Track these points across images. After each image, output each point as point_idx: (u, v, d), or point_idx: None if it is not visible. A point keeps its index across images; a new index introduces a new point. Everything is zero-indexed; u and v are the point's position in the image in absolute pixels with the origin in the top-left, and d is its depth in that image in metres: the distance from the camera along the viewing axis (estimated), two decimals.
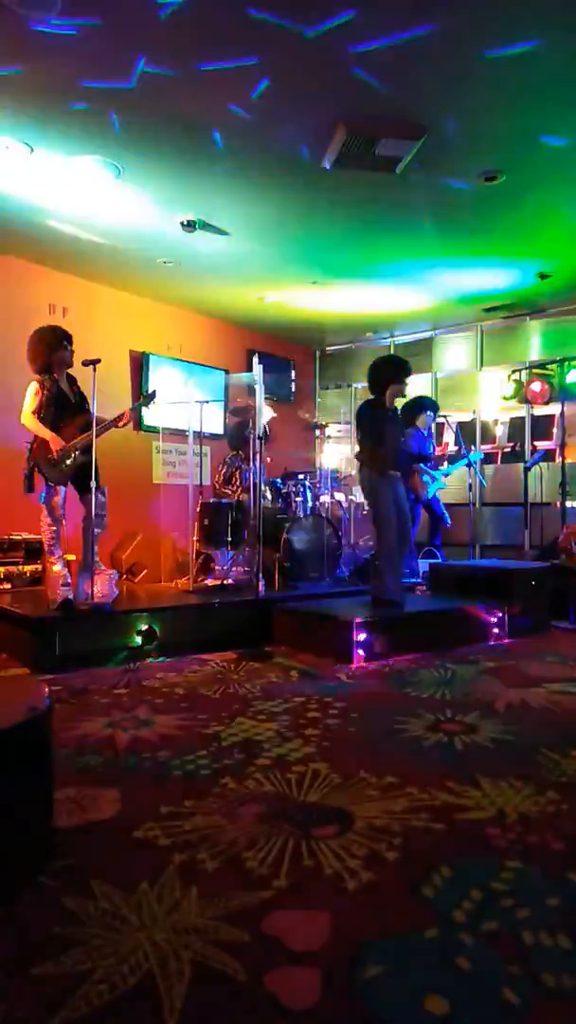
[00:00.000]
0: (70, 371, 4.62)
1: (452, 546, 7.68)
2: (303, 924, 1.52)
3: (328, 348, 9.76)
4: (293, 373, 9.47)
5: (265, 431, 5.43)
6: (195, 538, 5.78)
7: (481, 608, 4.97)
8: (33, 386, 4.44)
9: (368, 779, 2.34)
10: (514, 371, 7.67)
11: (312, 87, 4.00)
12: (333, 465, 7.50)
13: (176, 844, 1.87)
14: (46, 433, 4.35)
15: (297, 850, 1.84)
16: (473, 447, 7.95)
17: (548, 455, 7.73)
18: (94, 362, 4.29)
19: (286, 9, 3.40)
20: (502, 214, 5.56)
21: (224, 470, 6.46)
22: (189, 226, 5.72)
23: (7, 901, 1.59)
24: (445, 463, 7.20)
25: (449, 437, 7.87)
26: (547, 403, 7.51)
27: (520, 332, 8.29)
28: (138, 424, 7.28)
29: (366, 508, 5.35)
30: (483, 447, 8.38)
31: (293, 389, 9.45)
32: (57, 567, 4.46)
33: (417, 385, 8.73)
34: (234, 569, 5.85)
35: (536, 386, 7.42)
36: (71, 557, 4.87)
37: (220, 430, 7.42)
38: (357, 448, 5.08)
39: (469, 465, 7.23)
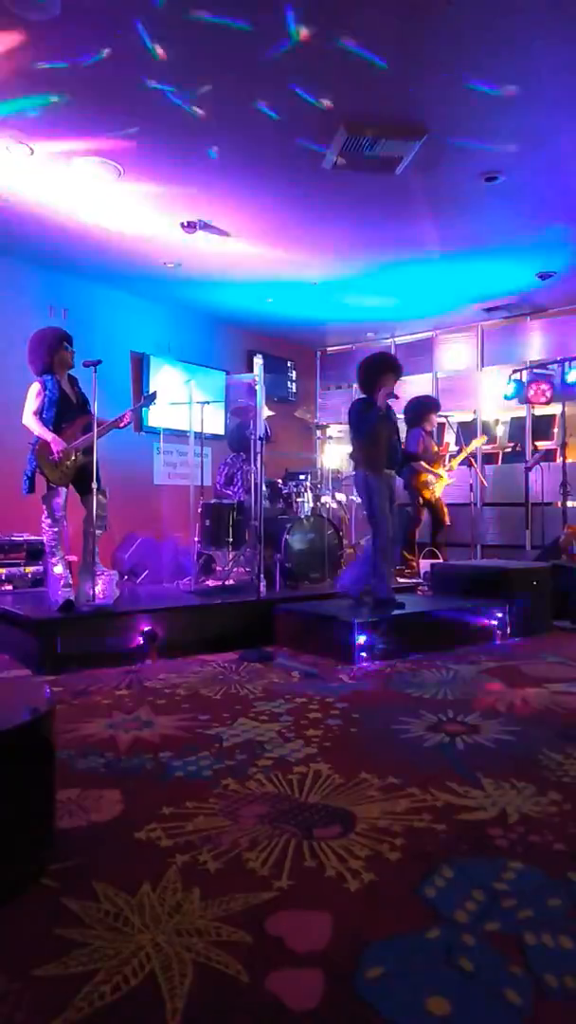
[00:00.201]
0: (71, 372, 4.62)
1: (453, 546, 7.68)
2: (305, 925, 1.52)
3: (329, 349, 9.77)
4: (294, 374, 9.48)
5: (266, 431, 5.43)
6: (196, 539, 5.78)
7: (482, 608, 4.97)
8: (35, 387, 4.44)
9: (370, 780, 2.34)
10: (515, 371, 7.67)
11: (314, 88, 4.01)
12: (334, 465, 7.50)
13: (178, 845, 1.87)
14: (47, 434, 4.35)
15: (299, 851, 1.84)
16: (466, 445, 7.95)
17: (549, 455, 7.72)
18: (95, 363, 4.29)
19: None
20: (502, 214, 5.57)
21: (225, 471, 6.46)
22: (190, 227, 5.73)
23: (9, 902, 1.59)
24: (446, 461, 7.19)
25: (450, 437, 7.88)
26: (548, 403, 7.50)
27: (521, 332, 8.29)
28: (139, 425, 7.29)
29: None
30: (484, 448, 8.38)
31: (294, 390, 9.45)
32: (58, 568, 4.46)
33: (418, 385, 8.76)
34: (235, 570, 5.85)
35: (537, 386, 7.41)
36: (72, 558, 4.87)
37: (221, 431, 7.43)
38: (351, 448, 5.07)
39: (469, 465, 7.23)
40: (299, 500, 6.09)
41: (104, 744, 2.70)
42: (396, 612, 4.51)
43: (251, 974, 1.35)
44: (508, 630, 5.02)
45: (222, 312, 8.17)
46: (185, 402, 5.94)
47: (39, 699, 1.87)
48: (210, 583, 5.77)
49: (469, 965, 1.38)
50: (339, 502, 6.99)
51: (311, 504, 6.13)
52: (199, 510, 5.80)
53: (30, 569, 5.61)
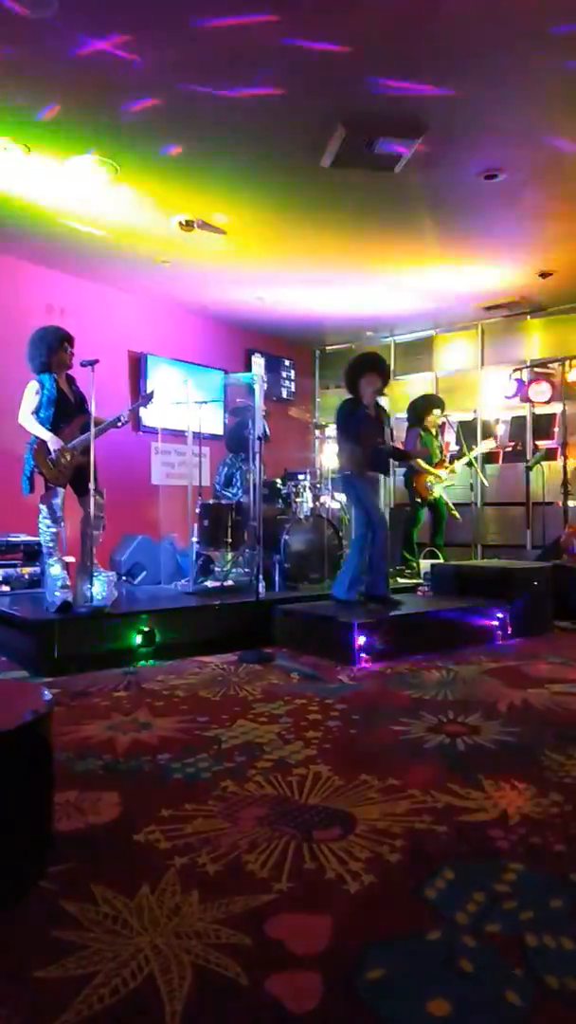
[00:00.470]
0: (69, 371, 4.61)
1: (454, 546, 7.67)
2: (305, 927, 1.51)
3: (328, 348, 9.76)
4: (292, 373, 9.47)
5: (264, 431, 5.42)
6: (194, 539, 5.77)
7: (483, 608, 4.96)
8: (32, 385, 4.42)
9: (370, 781, 2.33)
10: (515, 370, 7.66)
11: (313, 88, 4.00)
12: (333, 465, 7.49)
13: (177, 847, 1.86)
14: (44, 433, 4.34)
15: (299, 853, 1.83)
16: (474, 446, 7.94)
17: (550, 454, 7.72)
18: (92, 363, 4.28)
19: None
20: (502, 212, 5.56)
21: (224, 471, 6.45)
22: (187, 225, 5.72)
23: (7, 905, 1.58)
24: (447, 462, 7.18)
25: (450, 436, 7.88)
26: (548, 402, 7.50)
27: (521, 331, 8.29)
28: (137, 425, 7.28)
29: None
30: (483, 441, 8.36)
31: (292, 389, 9.44)
32: (56, 569, 4.45)
33: (418, 385, 8.76)
34: (234, 570, 5.84)
35: (537, 385, 7.41)
36: (70, 559, 4.86)
37: (219, 431, 7.42)
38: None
39: (469, 464, 7.23)
40: (298, 500, 6.08)
41: (102, 746, 2.69)
42: (394, 612, 4.49)
43: (250, 976, 1.34)
44: (509, 630, 5.01)
45: (220, 311, 8.16)
46: (183, 401, 5.92)
47: (37, 701, 1.86)
48: (209, 584, 5.76)
49: (470, 967, 1.37)
50: (339, 502, 6.97)
51: (310, 504, 6.11)
52: (197, 510, 5.78)
53: (27, 570, 5.60)
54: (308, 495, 6.12)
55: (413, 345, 9.15)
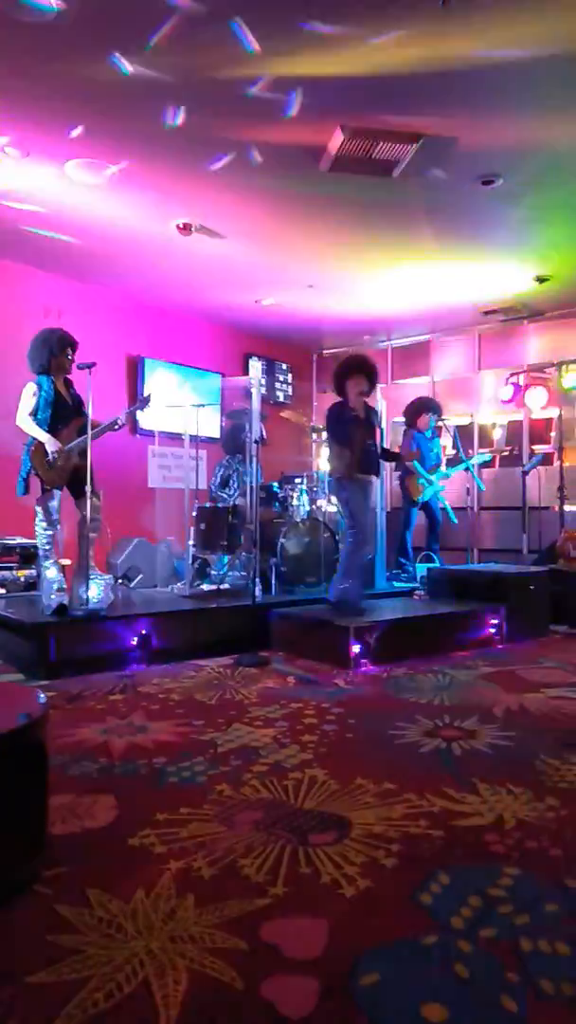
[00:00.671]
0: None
1: (450, 550, 7.68)
2: (300, 932, 1.51)
3: (325, 351, 9.77)
4: (290, 376, 9.48)
5: (261, 434, 5.42)
6: (191, 542, 5.77)
7: (479, 613, 4.96)
8: (30, 387, 4.42)
9: (366, 785, 2.32)
10: (512, 374, 7.68)
11: (311, 90, 4.01)
12: (326, 468, 7.49)
13: (172, 851, 1.86)
14: (42, 435, 4.34)
15: (294, 857, 1.82)
16: (472, 450, 7.96)
17: (546, 459, 7.74)
18: (89, 366, 4.28)
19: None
20: (500, 217, 5.58)
21: (220, 473, 6.45)
22: (185, 229, 5.73)
23: (2, 909, 1.58)
24: (443, 466, 7.20)
25: (447, 440, 7.89)
26: (545, 407, 7.52)
27: (518, 335, 8.31)
28: (134, 428, 7.28)
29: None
30: (481, 450, 8.38)
31: (290, 392, 9.45)
32: (52, 572, 4.44)
33: (415, 388, 8.77)
34: (230, 574, 5.84)
35: (534, 390, 7.43)
36: (66, 562, 4.85)
37: (216, 434, 7.42)
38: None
39: (467, 469, 7.24)
40: (295, 503, 6.08)
41: (98, 750, 2.68)
42: (357, 618, 4.44)
43: (246, 981, 1.34)
44: (505, 634, 5.01)
45: (217, 314, 8.17)
46: (180, 405, 5.92)
47: (32, 704, 1.86)
48: (205, 587, 5.75)
49: (465, 971, 1.37)
50: (335, 505, 6.97)
51: (307, 507, 6.12)
52: (194, 513, 5.78)
53: (23, 573, 5.59)
54: (305, 498, 6.13)
55: (410, 349, 9.17)
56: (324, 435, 6.84)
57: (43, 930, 1.51)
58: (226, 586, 5.68)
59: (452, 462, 7.36)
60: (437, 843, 1.92)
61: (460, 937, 1.48)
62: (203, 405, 5.99)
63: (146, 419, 7.15)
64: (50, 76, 3.87)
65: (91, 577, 4.39)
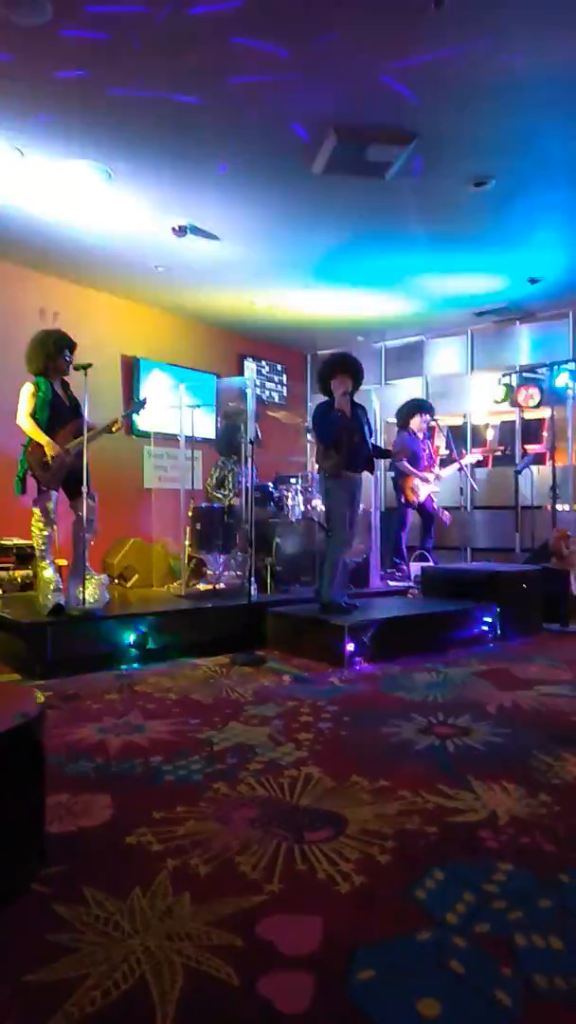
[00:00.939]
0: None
1: (443, 549, 7.70)
2: (296, 928, 1.52)
3: (319, 352, 9.79)
4: (284, 377, 9.49)
5: (256, 435, 5.43)
6: (187, 542, 5.77)
7: (472, 611, 4.99)
8: (28, 387, 4.42)
9: (361, 783, 2.34)
10: (504, 375, 7.71)
11: (303, 93, 4.02)
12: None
13: (169, 849, 1.87)
14: (42, 437, 4.33)
15: (290, 854, 1.84)
16: (465, 451, 7.98)
17: (538, 459, 7.77)
18: (85, 367, 4.28)
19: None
20: (492, 219, 5.60)
21: (216, 474, 6.45)
22: (180, 231, 5.73)
23: None
24: (436, 466, 7.21)
25: (440, 441, 7.91)
26: (537, 407, 7.55)
27: (510, 336, 8.34)
28: (129, 429, 7.28)
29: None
30: (474, 450, 8.41)
31: (284, 393, 9.47)
32: (48, 572, 4.45)
33: (408, 389, 8.79)
34: (226, 573, 5.84)
35: (526, 390, 7.46)
36: (62, 562, 4.85)
37: (211, 434, 7.42)
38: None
39: (460, 469, 7.26)
40: (290, 503, 6.09)
41: (94, 749, 2.69)
42: (345, 617, 4.45)
43: (242, 978, 1.35)
44: (498, 633, 5.04)
45: (212, 315, 8.17)
46: (175, 405, 5.92)
47: (29, 704, 1.86)
48: (201, 587, 5.76)
49: (460, 967, 1.38)
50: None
51: (302, 507, 6.13)
52: (189, 514, 5.79)
53: (20, 573, 5.58)
54: (300, 498, 6.14)
55: (403, 349, 9.19)
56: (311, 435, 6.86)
57: (40, 929, 1.51)
58: (222, 586, 5.69)
59: (445, 462, 7.38)
60: (431, 839, 1.93)
61: (455, 932, 1.49)
62: (198, 405, 5.99)
63: (142, 420, 7.15)
64: (45, 78, 3.87)
65: (87, 577, 4.40)
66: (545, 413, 7.88)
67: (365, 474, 4.94)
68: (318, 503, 6.45)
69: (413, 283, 7.03)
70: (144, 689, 3.63)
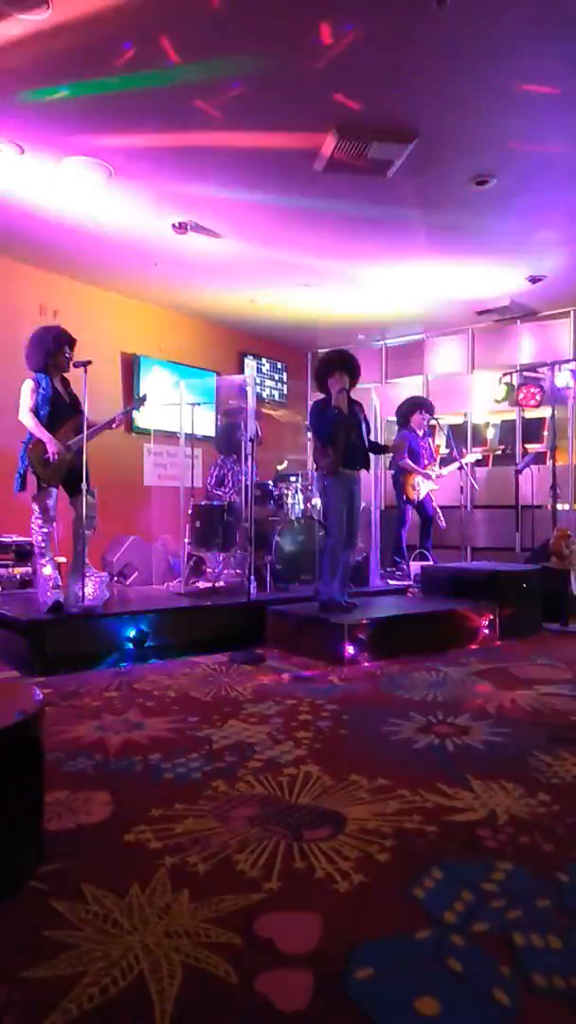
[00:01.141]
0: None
1: (443, 548, 7.70)
2: (295, 926, 1.52)
3: (320, 350, 9.77)
4: (284, 375, 9.49)
5: (257, 432, 5.43)
6: (187, 540, 5.77)
7: (472, 610, 4.98)
8: (28, 384, 4.41)
9: (360, 781, 2.34)
10: (505, 374, 7.70)
11: (305, 92, 4.02)
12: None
13: (167, 847, 1.87)
14: (44, 434, 4.32)
15: (289, 852, 1.84)
16: (465, 449, 7.97)
17: (539, 458, 7.76)
18: (85, 363, 4.27)
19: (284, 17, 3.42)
20: (493, 217, 5.59)
21: (216, 472, 6.45)
22: (181, 228, 5.72)
23: None
24: (437, 465, 7.21)
25: (441, 440, 7.90)
26: (537, 406, 7.54)
27: (511, 335, 8.33)
28: (129, 426, 7.28)
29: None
30: (474, 449, 8.41)
31: (284, 391, 9.46)
32: (47, 569, 4.44)
33: (409, 387, 8.78)
34: (225, 571, 5.84)
35: (527, 389, 7.45)
36: (61, 559, 4.85)
37: (212, 432, 7.42)
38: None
39: (461, 468, 7.25)
40: (290, 502, 6.09)
41: (93, 746, 2.69)
42: (344, 615, 4.45)
43: (240, 975, 1.35)
44: (498, 632, 5.03)
45: (213, 313, 8.17)
46: (176, 403, 5.92)
47: (28, 701, 1.86)
48: (200, 585, 5.76)
49: (458, 965, 1.38)
50: None
51: (302, 506, 6.13)
52: (189, 511, 5.79)
53: (19, 570, 5.58)
54: (299, 496, 6.14)
55: (404, 348, 9.18)
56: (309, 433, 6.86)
57: (39, 925, 1.51)
58: (221, 584, 5.69)
59: (446, 461, 7.38)
60: (430, 838, 1.93)
61: (453, 931, 1.49)
62: (199, 403, 5.99)
63: (142, 417, 7.15)
64: (45, 75, 3.87)
65: (86, 574, 4.39)
66: (546, 412, 7.87)
67: (364, 472, 4.94)
68: (318, 501, 6.46)
69: (414, 281, 7.02)
70: (143, 687, 3.63)
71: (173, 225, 5.70)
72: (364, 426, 4.81)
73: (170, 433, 6.42)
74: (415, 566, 6.53)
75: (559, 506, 6.88)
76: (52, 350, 4.41)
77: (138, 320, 7.75)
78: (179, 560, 5.90)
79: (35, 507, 4.43)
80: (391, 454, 6.68)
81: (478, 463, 8.33)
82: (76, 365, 4.32)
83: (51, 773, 2.15)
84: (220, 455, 6.56)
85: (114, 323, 7.48)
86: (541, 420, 8.22)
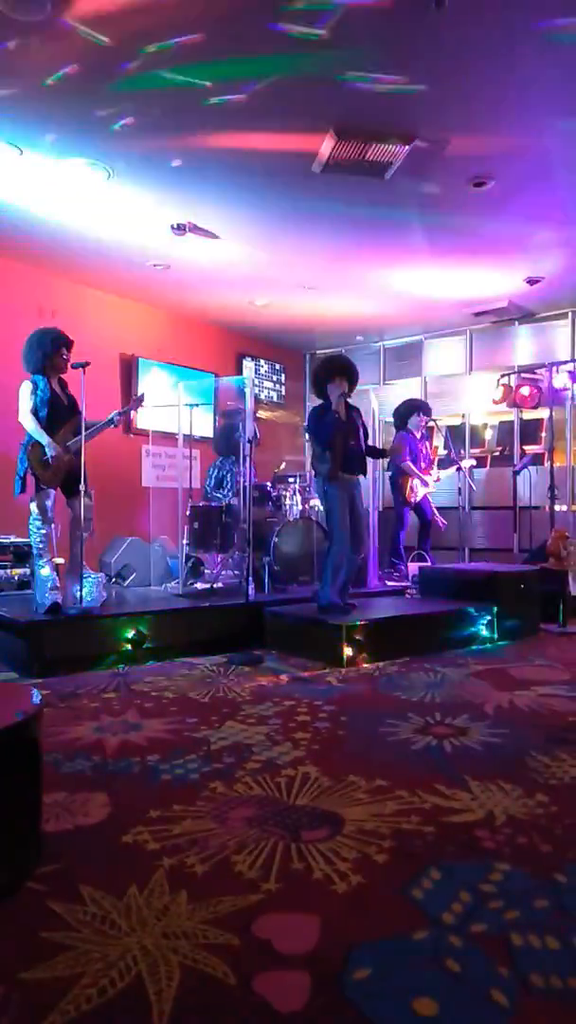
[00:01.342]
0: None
1: (442, 549, 7.70)
2: (293, 927, 1.52)
3: (318, 352, 9.78)
4: (283, 377, 9.49)
5: (255, 434, 5.43)
6: (185, 541, 5.77)
7: (470, 611, 4.99)
8: (27, 385, 4.40)
9: (358, 782, 2.34)
10: (503, 375, 7.71)
11: (303, 93, 4.02)
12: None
13: (165, 848, 1.87)
14: (44, 436, 4.32)
15: (287, 853, 1.84)
16: (463, 451, 7.98)
17: (536, 459, 7.77)
18: (83, 365, 4.27)
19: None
20: (491, 219, 5.60)
21: (215, 473, 6.45)
22: (179, 229, 5.73)
23: None
24: (434, 466, 7.22)
25: (438, 441, 7.90)
26: (535, 407, 7.55)
27: (509, 336, 8.34)
28: (128, 427, 7.27)
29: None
30: (472, 451, 8.41)
31: (283, 393, 9.47)
32: (45, 571, 4.44)
33: (407, 389, 8.79)
34: (223, 573, 5.84)
35: (525, 390, 7.47)
36: (60, 561, 4.84)
37: (210, 433, 7.42)
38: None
39: (459, 470, 7.26)
40: (288, 503, 6.09)
41: (91, 747, 2.69)
42: (342, 617, 4.44)
43: (238, 976, 1.35)
44: (495, 633, 5.04)
45: (211, 314, 8.17)
46: (174, 404, 5.93)
47: (26, 702, 1.86)
48: (198, 586, 5.76)
49: (456, 966, 1.38)
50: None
51: (300, 507, 6.13)
52: (187, 513, 5.79)
53: (16, 571, 5.58)
54: (298, 498, 6.14)
55: (402, 349, 9.19)
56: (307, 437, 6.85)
57: (36, 927, 1.51)
58: (219, 585, 5.69)
59: (444, 463, 7.38)
60: (428, 839, 1.93)
61: (451, 932, 1.49)
62: (196, 404, 5.99)
63: (140, 418, 7.15)
64: (44, 75, 3.87)
65: (84, 576, 4.39)
66: (543, 414, 7.88)
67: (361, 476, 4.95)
68: (316, 503, 6.46)
69: (412, 282, 7.03)
70: (141, 688, 3.63)
71: (172, 226, 5.71)
72: (362, 432, 4.82)
73: (168, 434, 6.42)
74: (413, 567, 6.54)
75: (557, 507, 6.88)
76: (49, 352, 4.41)
77: (136, 321, 7.75)
78: (177, 561, 5.89)
79: (34, 508, 4.42)
80: (389, 457, 6.68)
81: (476, 464, 8.33)
82: (74, 366, 4.32)
83: (49, 774, 2.15)
84: (218, 456, 6.56)
85: (112, 324, 7.48)
86: (539, 421, 8.22)
